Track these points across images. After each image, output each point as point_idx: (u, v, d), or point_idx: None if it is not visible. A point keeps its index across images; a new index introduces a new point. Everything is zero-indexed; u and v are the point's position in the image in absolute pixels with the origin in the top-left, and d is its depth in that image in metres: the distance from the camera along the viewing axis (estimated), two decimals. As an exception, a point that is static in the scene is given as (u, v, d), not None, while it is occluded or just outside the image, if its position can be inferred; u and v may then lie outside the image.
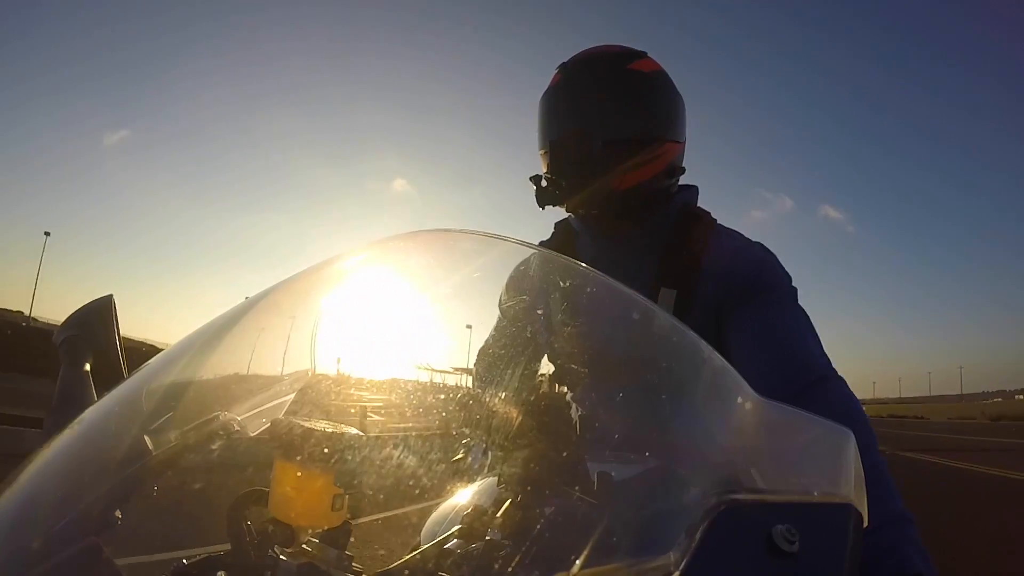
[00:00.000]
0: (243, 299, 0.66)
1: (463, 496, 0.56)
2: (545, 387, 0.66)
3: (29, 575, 0.44)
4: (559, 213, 1.13)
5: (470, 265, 0.65)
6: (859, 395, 0.90)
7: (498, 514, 0.52)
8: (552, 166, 1.02)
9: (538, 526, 0.48)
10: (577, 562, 0.42)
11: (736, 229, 1.10)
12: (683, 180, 1.14)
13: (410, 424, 0.56)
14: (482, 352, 0.88)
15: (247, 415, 0.59)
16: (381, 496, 0.49)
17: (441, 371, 0.66)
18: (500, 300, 0.86)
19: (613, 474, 0.55)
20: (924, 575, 0.67)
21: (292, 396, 0.64)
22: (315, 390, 0.63)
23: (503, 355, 0.79)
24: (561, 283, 0.67)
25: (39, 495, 0.52)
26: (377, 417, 0.59)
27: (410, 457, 0.51)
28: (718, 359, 0.52)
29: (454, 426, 0.57)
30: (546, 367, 0.81)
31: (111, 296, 0.82)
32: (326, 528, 0.48)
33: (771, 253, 1.04)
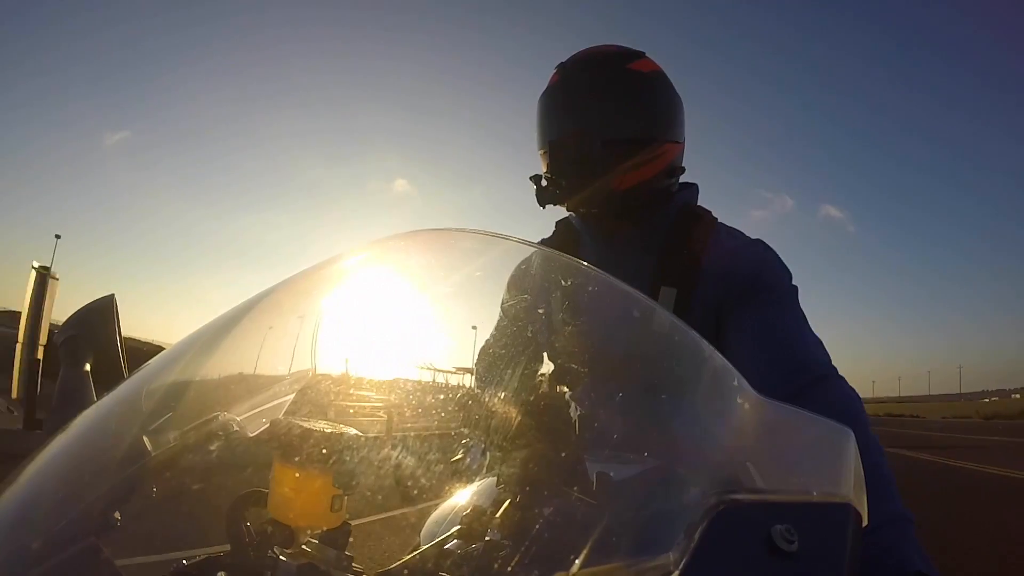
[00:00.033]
0: (243, 299, 0.66)
1: (462, 496, 0.56)
2: (545, 387, 0.66)
3: (28, 575, 0.44)
4: (559, 212, 1.14)
5: (471, 264, 0.65)
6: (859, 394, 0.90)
7: (497, 514, 0.52)
8: (552, 166, 1.02)
9: (537, 526, 0.48)
10: (576, 562, 0.42)
11: (737, 228, 1.10)
12: (683, 179, 1.14)
13: (411, 424, 0.56)
14: (483, 352, 0.88)
15: (247, 415, 0.59)
16: (380, 497, 0.49)
17: (444, 371, 0.66)
18: (503, 299, 0.86)
19: (612, 474, 0.55)
20: (925, 574, 0.67)
21: (292, 396, 0.64)
22: (315, 390, 0.63)
23: (504, 354, 0.79)
24: (562, 282, 0.67)
25: (39, 495, 0.52)
26: (377, 417, 0.59)
27: (409, 457, 0.51)
28: (719, 358, 0.52)
29: (453, 426, 0.57)
30: (547, 367, 0.81)
31: (112, 296, 0.82)
32: (325, 529, 0.48)
33: (772, 251, 1.04)
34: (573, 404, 0.61)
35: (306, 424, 0.49)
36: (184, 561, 0.48)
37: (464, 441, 0.56)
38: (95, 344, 0.76)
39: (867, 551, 0.46)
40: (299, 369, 0.66)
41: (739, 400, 0.49)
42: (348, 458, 0.48)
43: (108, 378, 0.72)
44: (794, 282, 1.02)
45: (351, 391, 0.60)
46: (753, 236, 1.08)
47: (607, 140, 1.00)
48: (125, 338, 0.79)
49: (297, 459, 0.47)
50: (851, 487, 0.41)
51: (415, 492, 0.50)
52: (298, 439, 0.48)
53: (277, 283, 0.66)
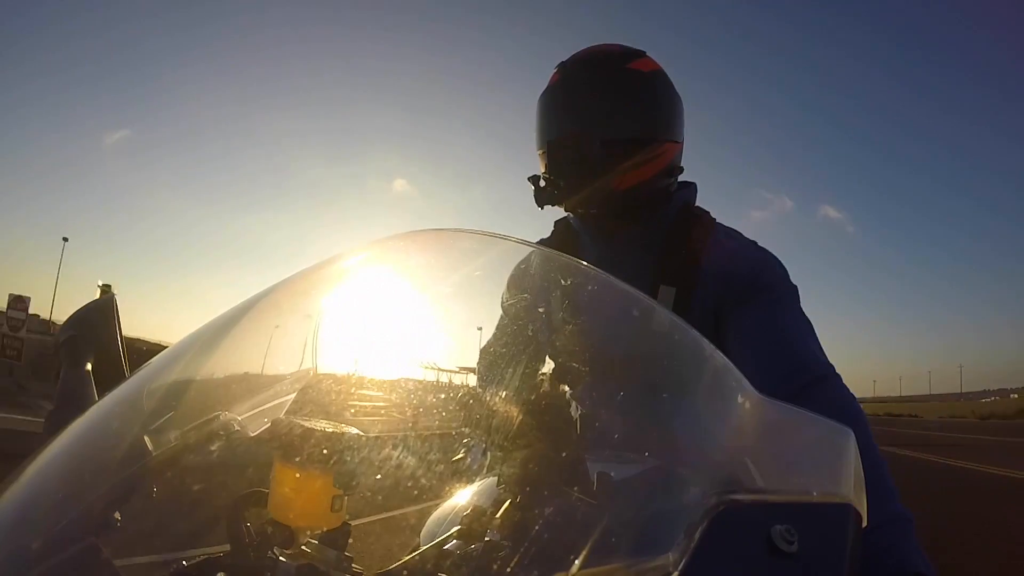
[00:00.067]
0: (244, 298, 0.66)
1: (462, 497, 0.56)
2: (546, 386, 0.66)
3: (28, 575, 0.44)
4: (559, 212, 1.13)
5: (470, 264, 0.65)
6: (860, 394, 0.90)
7: (497, 515, 0.52)
8: (550, 166, 1.02)
9: (537, 526, 0.48)
10: (576, 562, 0.42)
11: (737, 228, 1.10)
12: (682, 179, 1.14)
13: (411, 424, 0.56)
14: (484, 351, 0.88)
15: (248, 415, 0.59)
16: (380, 497, 0.49)
17: (445, 371, 0.66)
18: (503, 299, 0.86)
19: (612, 474, 0.55)
20: (924, 574, 0.67)
21: (293, 396, 0.64)
22: (316, 390, 0.63)
23: (504, 354, 0.79)
24: (562, 281, 0.67)
25: (39, 495, 0.52)
26: (378, 417, 0.59)
27: (410, 457, 0.51)
28: (719, 357, 0.52)
29: (454, 426, 0.57)
30: (548, 366, 0.81)
31: (113, 295, 0.82)
32: (325, 529, 0.48)
33: (771, 252, 1.04)
34: (574, 403, 0.61)
35: (307, 424, 0.49)
36: (184, 561, 0.48)
37: (465, 441, 0.56)
38: (96, 344, 0.76)
39: (867, 551, 0.46)
40: (300, 368, 0.66)
41: (739, 400, 0.49)
42: (349, 458, 0.48)
43: (109, 378, 0.71)
44: (793, 282, 1.02)
45: (352, 391, 0.60)
46: (753, 236, 1.08)
47: (606, 140, 1.00)
48: (125, 337, 0.79)
49: (298, 459, 0.47)
50: (851, 487, 0.41)
51: (415, 492, 0.50)
52: (299, 439, 0.48)
53: (277, 283, 0.66)
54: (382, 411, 0.59)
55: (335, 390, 0.61)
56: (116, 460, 0.55)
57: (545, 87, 1.07)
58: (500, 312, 0.88)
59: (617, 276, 0.57)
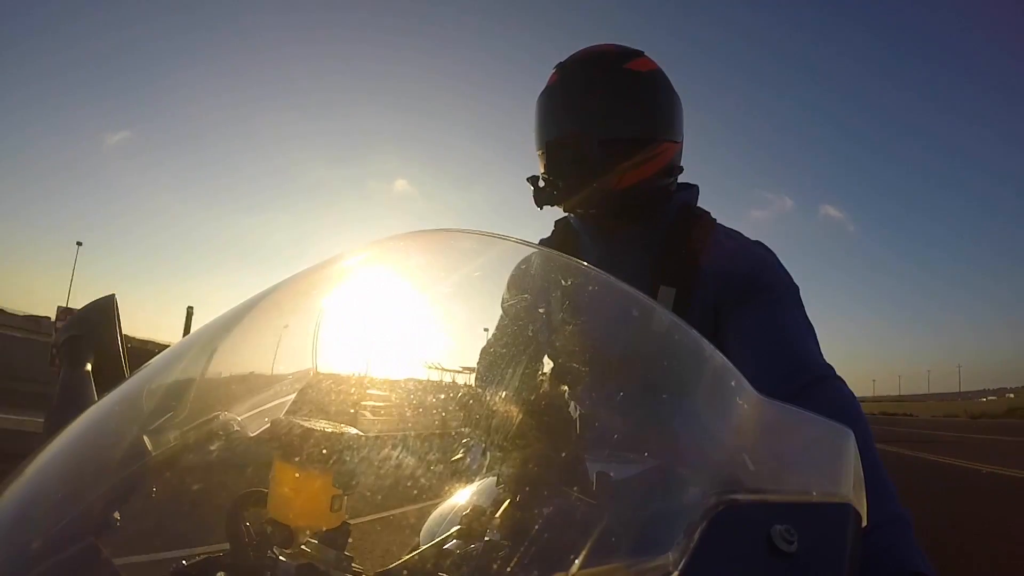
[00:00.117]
0: (244, 299, 0.66)
1: (462, 496, 0.56)
2: (546, 386, 0.66)
3: (28, 575, 0.44)
4: (558, 212, 1.14)
5: (471, 264, 0.65)
6: (859, 393, 0.90)
7: (497, 514, 0.52)
8: (549, 166, 1.02)
9: (537, 526, 0.48)
10: (576, 562, 0.42)
11: (737, 228, 1.10)
12: (682, 179, 1.14)
13: (411, 424, 0.56)
14: (484, 351, 0.88)
15: (248, 415, 0.59)
16: (380, 497, 0.49)
17: (446, 370, 0.66)
18: (503, 299, 0.86)
19: (612, 474, 0.55)
20: (924, 574, 0.67)
21: (293, 396, 0.64)
22: (316, 390, 0.63)
23: (504, 354, 0.79)
24: (562, 281, 0.67)
25: (39, 495, 0.52)
26: (378, 417, 0.59)
27: (409, 457, 0.51)
28: (719, 357, 0.51)
29: (454, 426, 0.57)
30: (547, 366, 0.81)
31: (113, 296, 0.82)
32: (325, 529, 0.48)
33: (771, 252, 1.04)
34: (573, 404, 0.61)
35: (307, 424, 0.49)
36: (184, 561, 0.48)
37: (464, 441, 0.56)
38: (96, 344, 0.76)
39: (866, 551, 0.46)
40: (300, 369, 0.66)
41: (739, 400, 0.49)
42: (349, 458, 0.48)
43: (109, 378, 0.72)
44: (795, 282, 1.02)
45: (351, 391, 0.60)
46: (753, 236, 1.08)
47: (604, 139, 1.00)
48: (126, 337, 0.79)
49: (298, 459, 0.47)
50: (851, 487, 0.41)
51: (415, 492, 0.50)
52: (299, 439, 0.48)
53: (277, 284, 0.66)
54: (382, 411, 0.59)
55: (335, 390, 0.61)
56: (116, 460, 0.55)
57: (544, 87, 1.07)
58: (500, 312, 0.88)
59: (617, 276, 0.57)
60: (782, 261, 1.04)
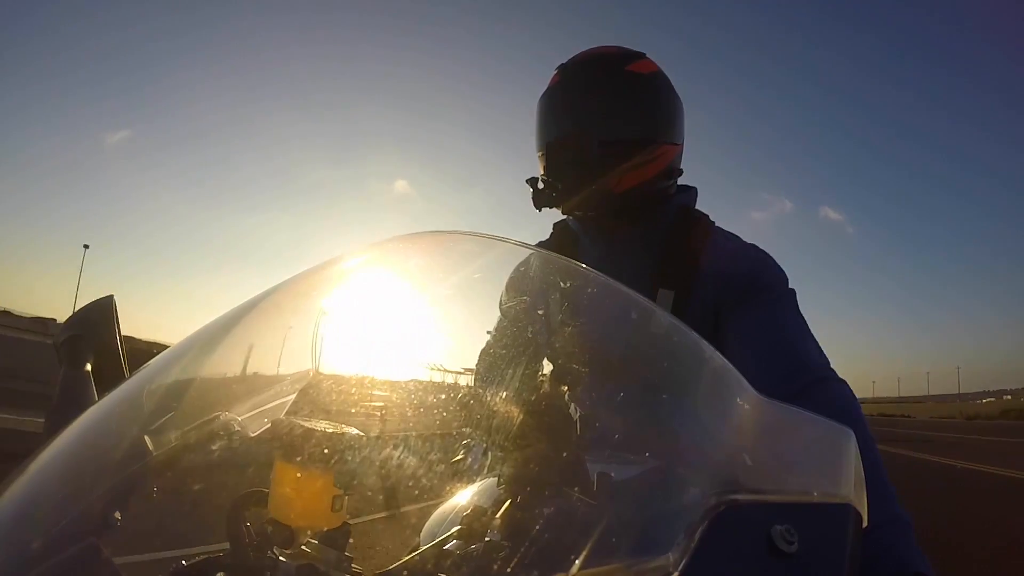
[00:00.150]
0: (244, 299, 0.66)
1: (463, 497, 0.56)
2: (546, 387, 0.66)
3: (28, 575, 0.44)
4: (557, 215, 1.14)
5: (470, 266, 0.65)
6: (859, 394, 0.90)
7: (497, 515, 0.52)
8: (549, 167, 1.02)
9: (537, 526, 0.48)
10: (576, 562, 0.42)
11: (736, 231, 1.10)
12: (682, 182, 1.14)
13: (411, 424, 0.56)
14: (483, 353, 0.88)
15: (248, 415, 0.59)
16: (381, 497, 0.49)
17: (446, 371, 0.66)
18: (501, 301, 0.86)
19: (612, 474, 0.55)
20: (924, 574, 0.67)
21: (293, 396, 0.64)
22: (316, 390, 0.63)
23: (503, 355, 0.79)
24: (561, 283, 0.67)
25: (39, 495, 0.52)
26: (378, 417, 0.59)
27: (410, 457, 0.51)
28: (719, 358, 0.52)
29: (454, 426, 0.57)
30: (547, 367, 0.81)
31: (112, 296, 0.82)
32: (325, 529, 0.48)
33: (769, 255, 1.04)
34: (573, 404, 0.61)
35: (307, 424, 0.49)
36: (184, 561, 0.48)
37: (465, 441, 0.56)
38: (96, 344, 0.76)
39: (866, 551, 0.46)
40: (300, 369, 0.66)
41: (739, 400, 0.49)
42: (349, 458, 0.48)
43: (109, 378, 0.72)
44: (791, 286, 1.02)
45: (352, 391, 0.60)
46: (753, 238, 1.08)
47: (604, 141, 1.00)
48: (130, 338, 0.79)
49: (298, 459, 0.47)
50: (851, 487, 0.41)
51: (415, 492, 0.50)
52: (299, 439, 0.48)
53: (277, 284, 0.66)
54: (382, 411, 0.59)
55: (335, 390, 0.61)
56: (116, 460, 0.55)
57: (545, 89, 1.08)
58: (499, 314, 0.88)
59: (616, 278, 0.57)
60: (780, 264, 1.04)
